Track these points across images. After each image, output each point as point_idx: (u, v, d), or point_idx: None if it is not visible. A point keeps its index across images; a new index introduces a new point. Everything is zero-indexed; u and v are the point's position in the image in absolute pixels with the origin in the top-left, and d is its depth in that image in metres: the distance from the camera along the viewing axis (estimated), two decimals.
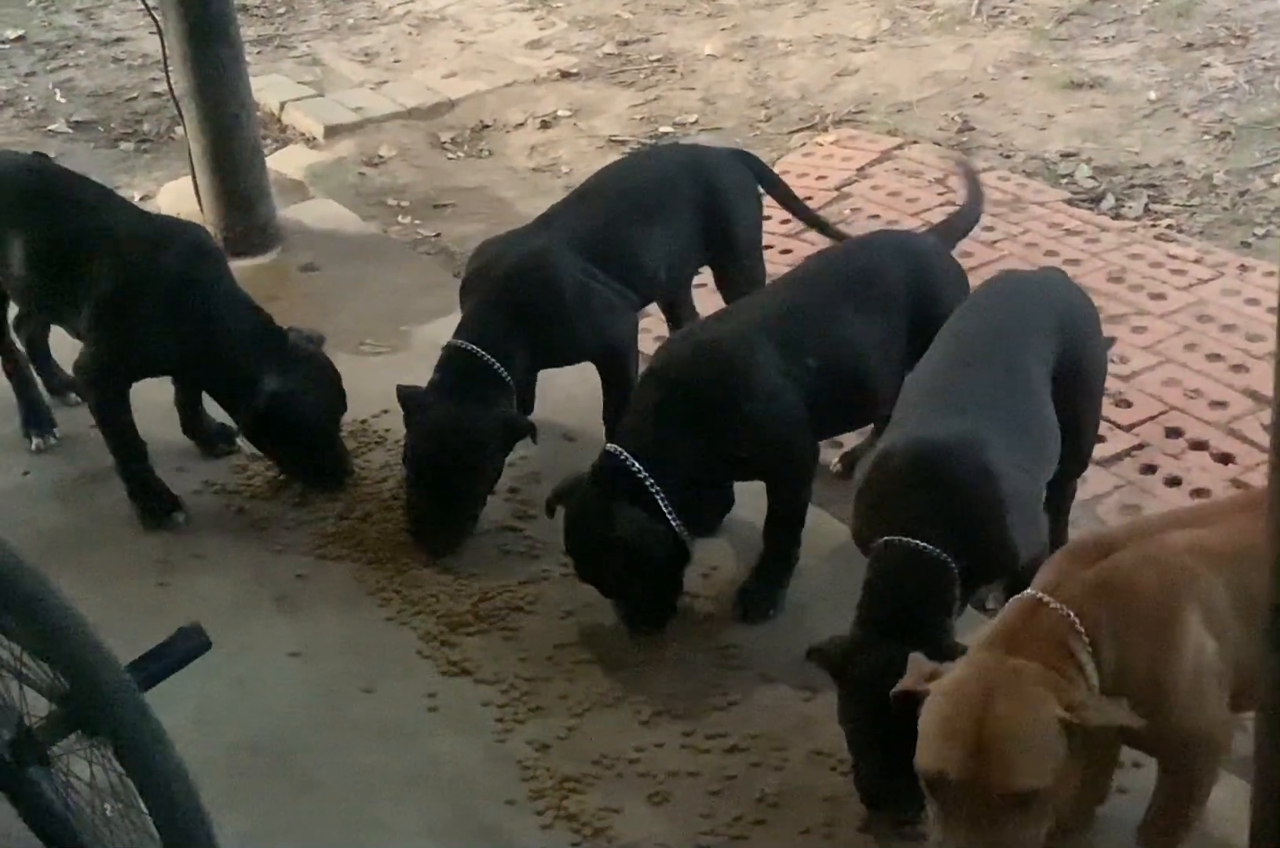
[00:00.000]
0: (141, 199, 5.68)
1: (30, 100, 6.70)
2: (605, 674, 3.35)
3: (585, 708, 3.27)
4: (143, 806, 2.49)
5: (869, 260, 3.56)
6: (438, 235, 5.40)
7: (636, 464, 3.27)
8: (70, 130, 6.41)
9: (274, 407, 3.77)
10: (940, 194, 5.31)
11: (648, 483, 3.28)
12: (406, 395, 3.74)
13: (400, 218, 5.56)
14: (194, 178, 5.12)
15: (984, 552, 2.95)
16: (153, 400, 3.98)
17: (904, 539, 2.90)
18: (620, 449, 3.30)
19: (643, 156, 4.49)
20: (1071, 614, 2.47)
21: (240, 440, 4.14)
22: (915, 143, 5.74)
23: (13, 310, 4.27)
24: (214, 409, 4.10)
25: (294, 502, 3.96)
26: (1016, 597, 2.57)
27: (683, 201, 3.97)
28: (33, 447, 4.21)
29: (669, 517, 3.30)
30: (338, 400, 3.93)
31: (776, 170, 5.39)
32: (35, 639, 2.50)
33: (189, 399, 4.12)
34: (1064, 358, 3.25)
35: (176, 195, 5.47)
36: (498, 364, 3.68)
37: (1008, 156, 5.59)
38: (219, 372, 3.80)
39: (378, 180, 5.84)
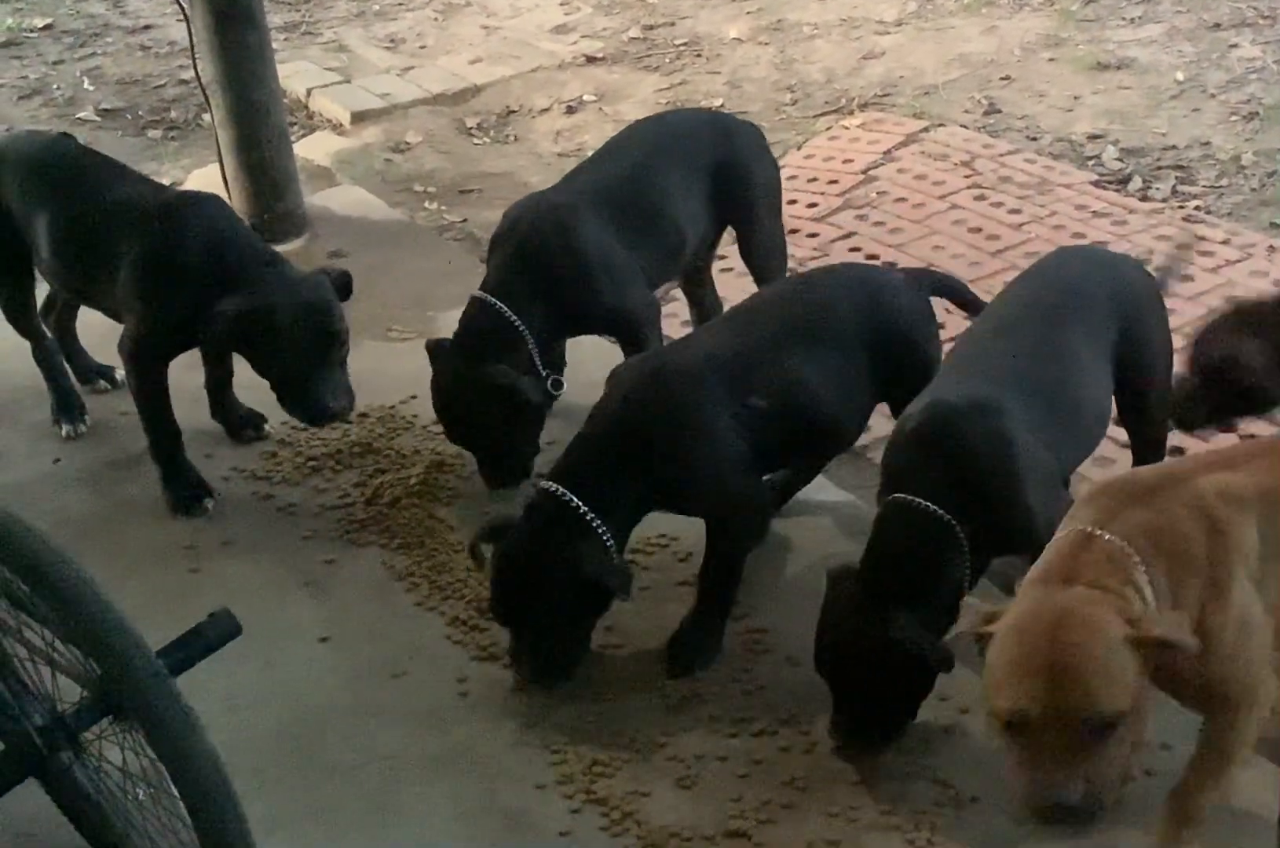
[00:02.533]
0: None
1: (59, 88, 6.71)
2: (633, 659, 3.35)
3: (614, 693, 3.27)
4: (174, 790, 2.50)
5: (823, 295, 3.42)
6: (464, 221, 5.40)
7: (576, 500, 3.15)
8: (98, 118, 6.42)
9: (246, 317, 3.64)
10: (966, 177, 5.29)
11: (588, 519, 3.14)
12: (431, 346, 3.83)
13: (426, 204, 5.55)
14: (221, 165, 5.12)
15: (993, 517, 2.93)
16: (182, 387, 3.98)
17: (908, 498, 2.90)
18: (557, 486, 3.18)
19: (664, 116, 4.46)
20: (1126, 546, 2.44)
21: (269, 426, 4.15)
22: (942, 126, 5.71)
23: (39, 298, 4.30)
24: (243, 394, 4.12)
25: (322, 488, 3.97)
26: (1062, 533, 2.54)
27: (702, 158, 3.98)
28: (63, 434, 4.22)
29: (612, 554, 3.19)
30: (328, 321, 3.73)
31: (802, 154, 5.40)
32: (66, 625, 2.50)
33: (218, 383, 4.12)
34: (1124, 339, 3.22)
35: (204, 182, 5.46)
36: (515, 317, 3.71)
37: (1034, 138, 5.56)
38: (243, 339, 3.71)
39: (404, 166, 5.84)
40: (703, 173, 3.97)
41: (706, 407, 3.19)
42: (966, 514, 2.89)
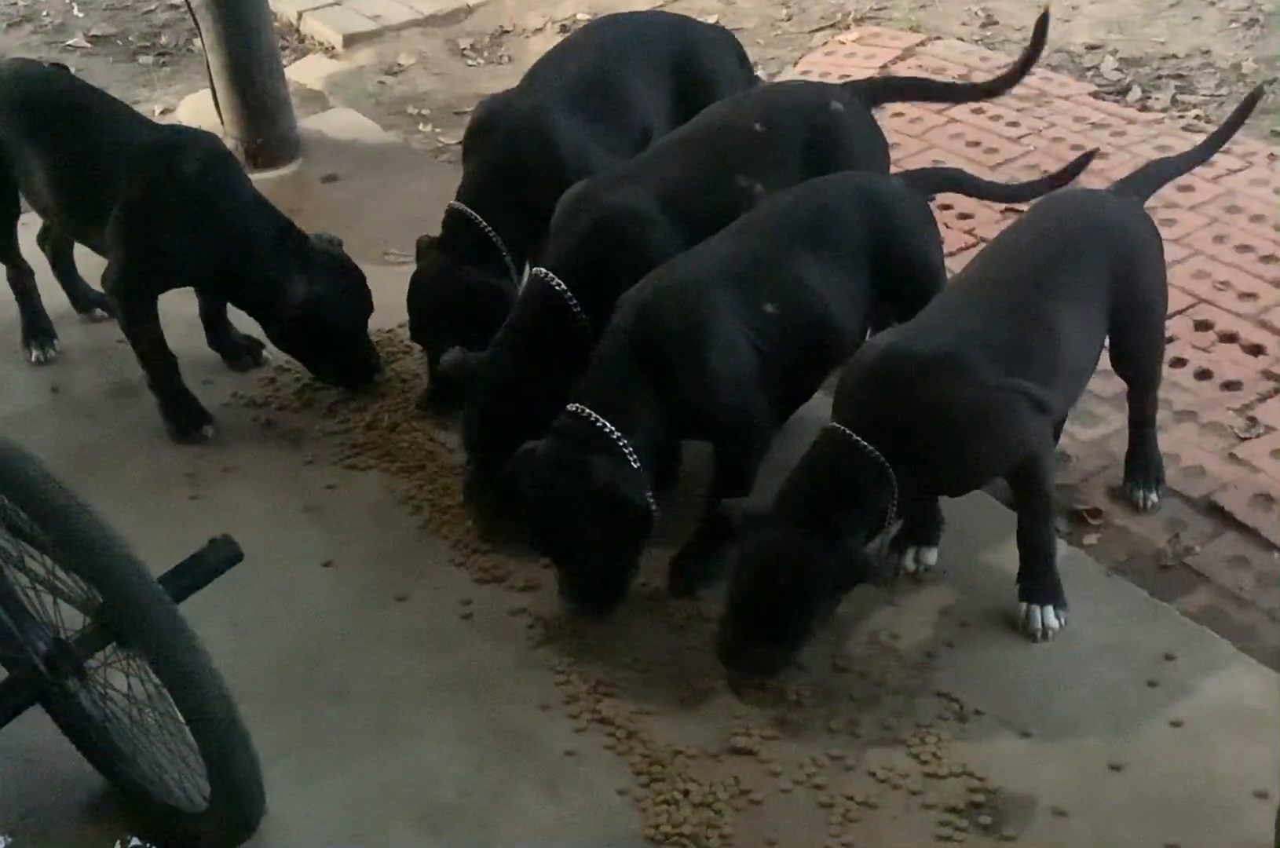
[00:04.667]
0: (162, 113, 5.64)
1: (48, 15, 6.63)
2: (639, 581, 3.32)
3: (620, 618, 3.24)
4: (180, 715, 2.50)
5: (825, 201, 3.37)
6: (459, 143, 5.32)
7: (602, 420, 3.13)
8: (88, 44, 6.34)
9: (306, 311, 3.78)
10: None
11: (615, 437, 3.12)
12: (419, 245, 3.87)
13: (421, 126, 5.50)
14: (213, 90, 5.06)
15: (928, 464, 2.91)
16: (178, 314, 3.96)
17: (842, 429, 2.90)
18: (583, 407, 3.15)
19: (625, 17, 4.39)
20: None
21: (267, 353, 4.13)
22: (938, 39, 5.63)
23: (34, 227, 4.26)
24: (239, 321, 4.09)
25: (322, 413, 3.96)
26: None
27: (661, 55, 3.94)
28: (32, 359, 4.22)
29: (640, 473, 3.15)
30: (365, 300, 3.95)
31: (798, 70, 5.33)
32: (68, 553, 2.50)
33: (214, 312, 4.10)
34: (1117, 288, 3.17)
35: (196, 108, 5.42)
36: (489, 227, 3.72)
37: None
38: (244, 278, 3.77)
39: (397, 89, 5.78)
40: (662, 69, 3.93)
41: (721, 316, 3.16)
42: (900, 456, 2.87)
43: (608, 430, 3.12)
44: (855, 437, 2.88)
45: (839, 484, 2.90)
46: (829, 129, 3.58)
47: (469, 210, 3.76)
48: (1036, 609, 3.10)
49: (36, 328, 4.26)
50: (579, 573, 3.20)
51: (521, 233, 3.75)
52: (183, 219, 3.68)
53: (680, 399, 3.16)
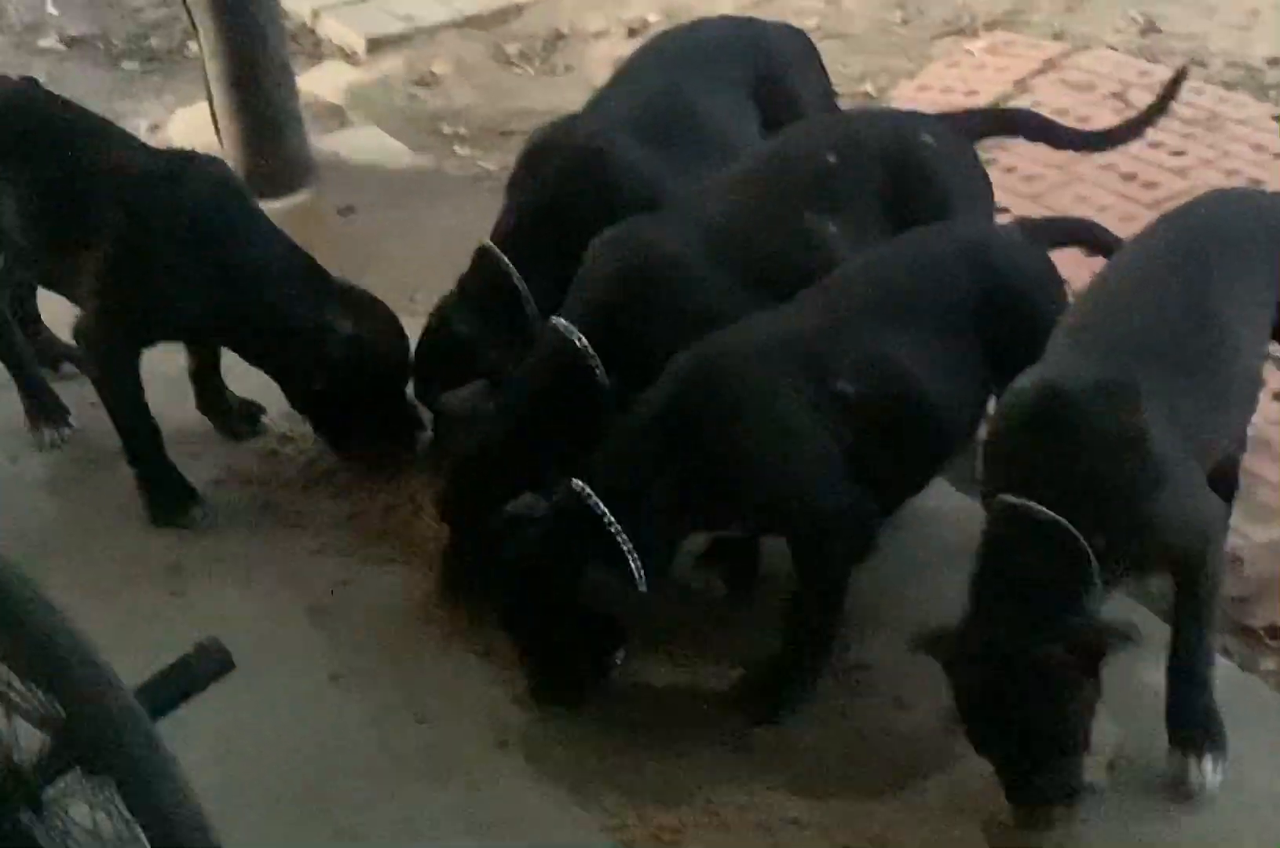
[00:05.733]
0: (150, 130, 5.75)
1: (16, 12, 6.78)
2: (706, 699, 3.36)
3: (683, 743, 3.28)
4: None
5: (923, 258, 3.41)
6: (502, 169, 5.40)
7: (604, 509, 3.18)
8: (64, 47, 6.49)
9: (348, 362, 3.86)
10: (1118, 112, 5.25)
11: (614, 532, 3.17)
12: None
13: (458, 148, 5.58)
14: (210, 103, 5.16)
15: (1123, 526, 2.89)
16: (161, 373, 4.03)
17: (1021, 501, 2.88)
18: (586, 488, 3.21)
19: (691, 26, 4.49)
20: None
21: (267, 419, 4.19)
22: (1087, 48, 5.68)
23: None
24: (234, 382, 4.15)
25: (332, 494, 4.01)
26: None
27: (742, 71, 4.04)
28: (46, 441, 4.25)
29: (638, 580, 3.21)
30: (407, 344, 4.03)
31: (915, 84, 5.39)
32: (26, 658, 2.53)
33: (205, 369, 4.18)
34: None
35: (190, 124, 5.53)
36: (514, 272, 3.80)
37: (1203, 64, 5.51)
38: (263, 327, 3.85)
39: (431, 103, 5.87)
40: (748, 93, 4.04)
41: (780, 393, 3.19)
42: (1090, 521, 2.86)
43: (607, 522, 3.18)
44: (1029, 504, 2.87)
45: (1032, 573, 2.88)
46: (917, 166, 3.64)
47: (496, 251, 3.83)
48: (1193, 761, 3.05)
49: (42, 400, 4.28)
50: (541, 664, 3.32)
51: (560, 283, 3.76)
52: (186, 259, 3.76)
53: (722, 493, 3.20)
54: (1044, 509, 2.86)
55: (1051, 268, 3.50)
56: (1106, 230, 3.79)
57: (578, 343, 3.44)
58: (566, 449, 3.41)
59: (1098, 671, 2.89)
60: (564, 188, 3.84)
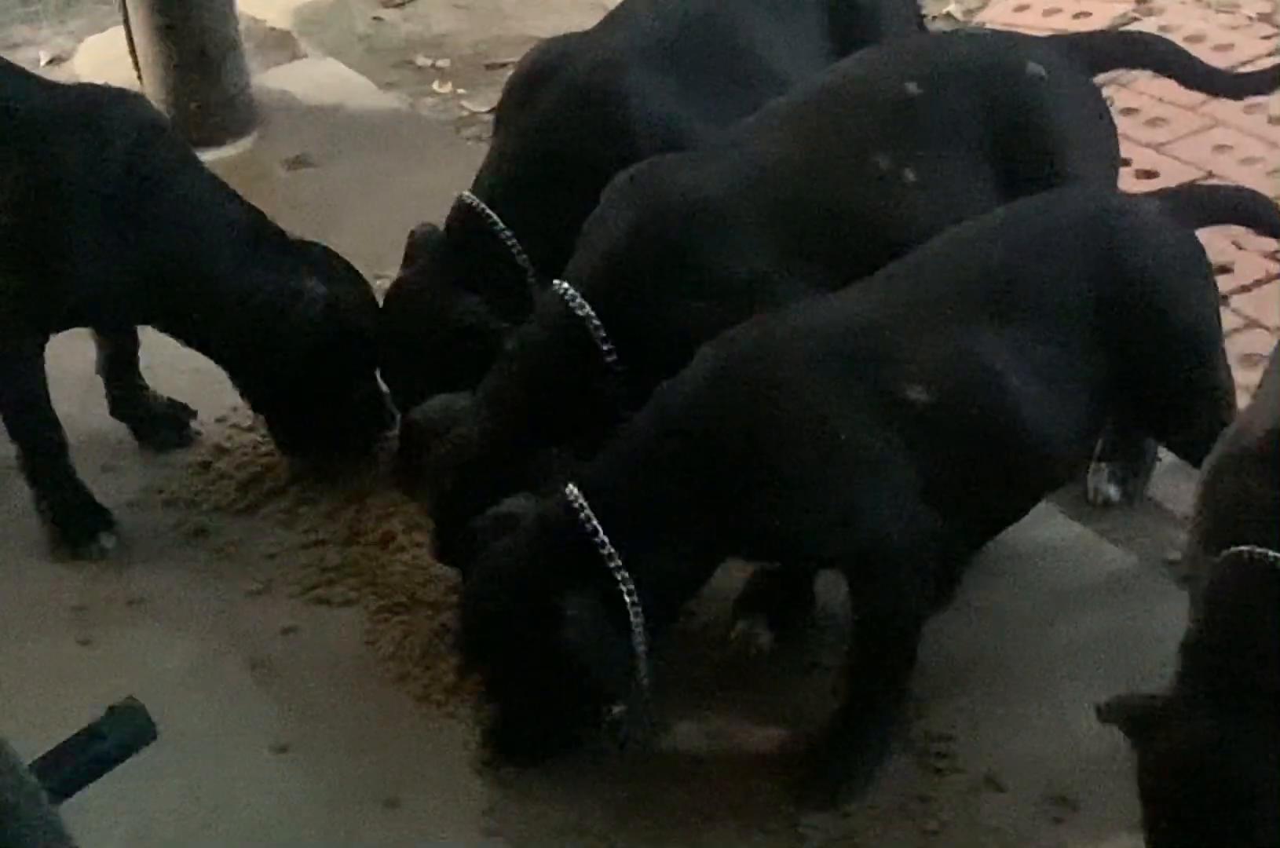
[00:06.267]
0: (49, 63, 5.77)
1: None
2: (751, 776, 3.36)
3: (724, 830, 3.28)
4: None
5: (1032, 235, 3.38)
6: (490, 111, 5.41)
7: (601, 532, 3.18)
8: None
9: (328, 320, 3.93)
10: (1266, 38, 5.26)
11: (610, 560, 3.18)
12: (412, 240, 4.05)
13: (436, 85, 5.60)
14: (127, 30, 5.18)
15: None
16: (66, 370, 4.05)
17: (1260, 552, 2.81)
18: (580, 498, 3.21)
19: None
20: None
21: (197, 424, 4.23)
22: None
23: None
24: (157, 380, 4.17)
25: (279, 518, 4.03)
26: None
27: None
28: None
29: (633, 623, 3.21)
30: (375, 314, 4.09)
31: (1012, 5, 5.40)
32: None
33: (120, 364, 4.20)
34: None
35: (102, 56, 5.55)
36: (505, 230, 3.83)
37: None
38: (204, 298, 3.87)
39: (401, 28, 5.89)
40: (810, 10, 4.03)
41: (829, 399, 3.18)
42: None
43: (599, 542, 3.17)
44: (1271, 554, 2.80)
45: (1265, 635, 2.81)
46: (1022, 103, 3.61)
47: (481, 205, 3.85)
48: None
49: None
50: (508, 713, 3.35)
51: (560, 243, 3.76)
52: (107, 220, 3.78)
53: (753, 518, 3.20)
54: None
55: (1198, 257, 3.47)
56: (1272, 205, 3.72)
57: (580, 311, 3.45)
58: (563, 443, 3.44)
59: None
60: (560, 134, 3.87)
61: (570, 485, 3.21)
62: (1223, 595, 2.86)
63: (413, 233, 4.03)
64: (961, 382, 3.22)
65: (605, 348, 3.44)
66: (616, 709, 3.33)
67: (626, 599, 3.18)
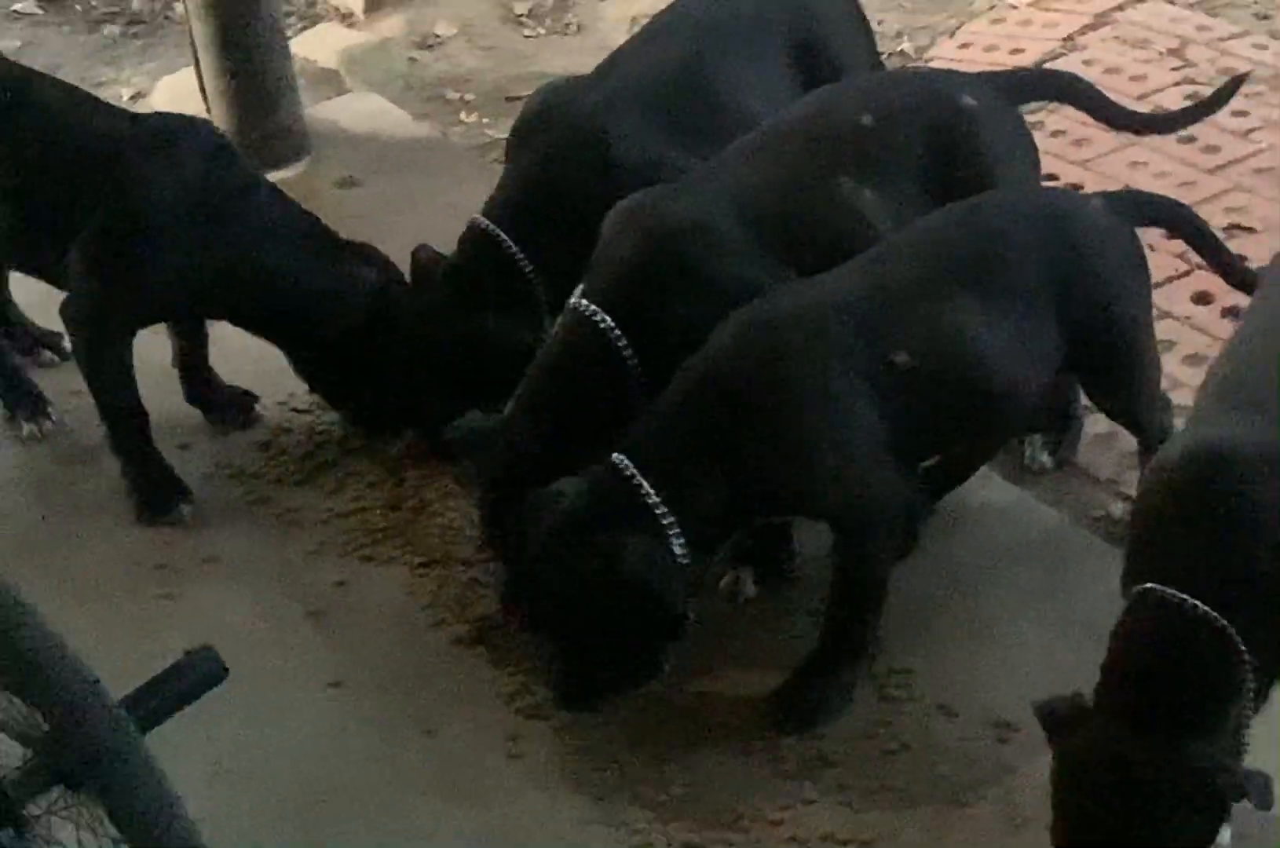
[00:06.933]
0: (132, 99, 5.76)
1: None
2: (736, 707, 3.37)
3: (712, 754, 3.29)
4: None
5: (994, 224, 3.39)
6: None
7: (645, 485, 3.19)
8: (39, 10, 6.49)
9: (382, 305, 3.95)
10: (1175, 69, 5.25)
11: (657, 510, 3.17)
12: (416, 260, 4.00)
13: (464, 116, 5.58)
14: (197, 69, 5.17)
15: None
16: (147, 362, 4.03)
17: (1165, 591, 2.72)
18: (625, 461, 3.21)
19: None
20: None
21: (260, 407, 4.22)
22: (1141, 1, 5.66)
23: None
24: (225, 371, 4.17)
25: (331, 488, 4.03)
26: None
27: (777, 36, 4.01)
28: (24, 435, 4.26)
29: (682, 564, 3.21)
30: None
31: (956, 42, 5.38)
32: (5, 668, 2.54)
33: (192, 357, 4.20)
34: None
35: (176, 92, 5.53)
36: (518, 251, 3.80)
37: (1265, 17, 5.51)
38: (272, 290, 3.91)
39: (434, 67, 5.87)
40: (783, 61, 4.00)
41: (831, 364, 3.19)
42: (1249, 617, 2.70)
43: (650, 500, 3.17)
44: (1174, 594, 2.71)
45: (1174, 671, 2.74)
46: (958, 130, 3.63)
47: (494, 227, 3.82)
48: None
49: (19, 391, 4.30)
50: (573, 663, 3.27)
51: (566, 265, 3.76)
52: (187, 227, 3.81)
53: (769, 474, 3.20)
54: (1198, 604, 2.70)
55: (1136, 245, 3.50)
56: (1204, 223, 3.70)
57: (601, 324, 3.44)
58: (597, 445, 3.36)
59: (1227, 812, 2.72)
60: (562, 160, 3.84)
61: (615, 454, 3.21)
62: (1131, 631, 2.79)
63: (415, 254, 4.00)
64: (940, 348, 3.24)
65: (626, 353, 3.43)
66: (676, 645, 3.28)
67: (671, 538, 3.17)
